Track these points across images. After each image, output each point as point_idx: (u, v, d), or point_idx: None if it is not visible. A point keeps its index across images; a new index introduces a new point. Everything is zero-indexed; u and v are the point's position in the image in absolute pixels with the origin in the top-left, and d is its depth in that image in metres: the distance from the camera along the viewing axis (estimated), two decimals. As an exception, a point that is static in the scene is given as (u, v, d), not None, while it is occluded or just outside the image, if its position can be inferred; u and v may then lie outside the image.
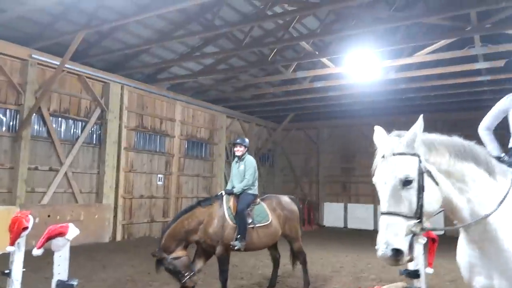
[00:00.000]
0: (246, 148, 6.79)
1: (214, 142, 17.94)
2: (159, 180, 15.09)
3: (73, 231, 4.12)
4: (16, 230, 4.77)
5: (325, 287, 7.53)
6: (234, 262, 9.44)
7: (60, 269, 4.04)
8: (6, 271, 4.71)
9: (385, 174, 2.62)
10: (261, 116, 20.57)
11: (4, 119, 10.92)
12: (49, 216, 11.19)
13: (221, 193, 6.48)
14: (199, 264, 6.25)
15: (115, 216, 13.17)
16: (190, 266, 5.95)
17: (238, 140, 6.83)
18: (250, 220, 6.26)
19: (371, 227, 19.05)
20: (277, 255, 7.22)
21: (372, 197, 19.66)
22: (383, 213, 2.57)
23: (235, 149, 6.80)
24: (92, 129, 13.04)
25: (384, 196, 2.60)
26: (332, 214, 20.21)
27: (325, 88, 15.29)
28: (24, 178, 10.86)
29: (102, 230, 12.65)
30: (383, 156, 2.66)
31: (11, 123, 11.02)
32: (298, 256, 7.11)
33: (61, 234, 4.04)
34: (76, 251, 11.25)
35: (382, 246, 2.46)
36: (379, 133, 2.85)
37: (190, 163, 16.64)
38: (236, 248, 6.01)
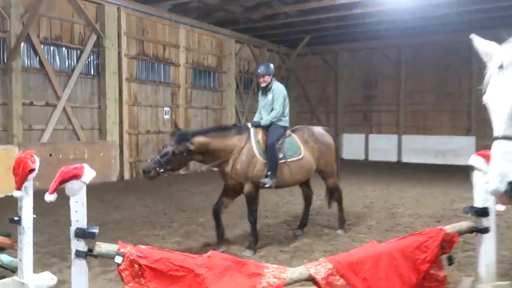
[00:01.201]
0: (271, 76, 6.19)
1: (222, 71, 17.29)
2: (165, 114, 14.70)
3: (89, 173, 3.75)
4: (21, 173, 4.44)
5: (360, 224, 7.34)
6: (255, 199, 9.29)
7: (78, 215, 3.73)
8: (16, 218, 4.46)
9: (503, 88, 2.12)
10: (273, 40, 19.62)
11: (-10, 49, 10.32)
12: (50, 155, 10.97)
13: (247, 126, 6.03)
14: (226, 202, 5.98)
15: (121, 154, 13.01)
16: (178, 169, 5.70)
17: (260, 70, 6.18)
18: (281, 155, 5.89)
19: (394, 159, 18.88)
20: (310, 192, 6.95)
21: (396, 127, 19.36)
22: (497, 138, 2.13)
23: (259, 80, 6.21)
24: (89, 59, 12.47)
25: (500, 116, 2.13)
26: (352, 146, 19.92)
27: (349, 4, 14.24)
28: (19, 115, 10.52)
29: (109, 169, 12.51)
30: (500, 66, 2.13)
31: (-2, 54, 10.44)
32: (333, 193, 6.84)
33: (76, 176, 3.67)
34: (83, 191, 11.24)
35: (495, 178, 2.07)
36: (481, 41, 2.31)
37: (198, 94, 16.16)
38: (266, 185, 5.72)
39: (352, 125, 20.49)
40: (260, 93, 6.42)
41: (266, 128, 6.03)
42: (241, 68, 18.56)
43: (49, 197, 3.75)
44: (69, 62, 12.01)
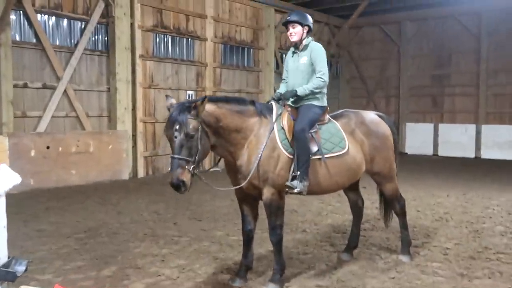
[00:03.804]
0: (307, 29, 5.03)
1: (259, 46, 16.26)
2: (189, 98, 13.78)
3: (5, 179, 2.73)
4: None
5: (432, 246, 6.06)
6: (291, 205, 8.23)
7: (-9, 245, 2.74)
8: None
9: None
10: (321, 9, 18.33)
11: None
12: (48, 147, 10.39)
13: (270, 103, 4.88)
14: (252, 214, 4.89)
15: (134, 146, 12.28)
16: (203, 158, 4.37)
17: (290, 17, 5.05)
18: (315, 148, 4.74)
19: (471, 154, 17.25)
20: (359, 202, 5.76)
21: (474, 115, 17.86)
22: None
23: (288, 32, 5.07)
24: (96, 32, 11.80)
25: None
26: (417, 137, 18.58)
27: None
28: (10, 99, 9.94)
29: (119, 165, 11.78)
30: None
31: (-15, 25, 9.84)
32: (392, 203, 5.60)
33: (-18, 185, 2.67)
34: (86, 191, 10.59)
35: None
36: None
37: (228, 74, 15.23)
38: (296, 191, 4.57)
39: (418, 112, 19.14)
40: (288, 54, 5.25)
41: (295, 109, 4.87)
42: (282, 43, 17.45)
43: None
44: (72, 35, 11.35)
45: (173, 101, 4.40)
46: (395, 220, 5.84)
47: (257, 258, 5.39)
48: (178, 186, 4.07)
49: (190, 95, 13.90)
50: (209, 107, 4.34)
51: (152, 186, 11.03)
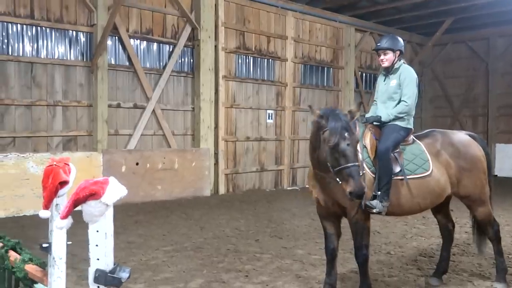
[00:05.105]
0: (398, 53, 5.01)
1: (339, 66, 16.19)
2: (269, 117, 14.02)
3: (114, 191, 2.91)
4: (50, 187, 3.84)
5: (529, 275, 5.63)
6: (374, 226, 8.04)
7: (99, 251, 2.93)
8: (45, 245, 3.89)
9: None
10: (403, 26, 17.94)
11: (77, 46, 10.57)
12: (137, 164, 10.93)
13: (354, 122, 4.84)
14: (337, 232, 4.85)
15: (216, 164, 12.59)
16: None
17: (381, 43, 5.07)
18: (397, 169, 4.67)
19: None
20: (450, 225, 5.51)
21: None
22: None
23: (379, 58, 5.11)
24: (182, 54, 12.30)
25: None
26: (509, 159, 17.39)
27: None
28: (105, 118, 10.58)
29: (202, 181, 12.13)
30: None
31: (85, 51, 10.64)
32: (485, 228, 5.30)
33: (94, 195, 2.88)
34: (170, 206, 11.05)
35: None
36: None
37: (308, 94, 15.27)
38: (374, 210, 4.52)
39: (508, 132, 18.00)
40: (379, 77, 5.24)
41: (379, 128, 4.82)
42: (362, 62, 17.27)
43: (61, 223, 3.04)
44: (161, 58, 11.94)
45: (318, 111, 4.34)
46: (489, 248, 5.54)
47: (340, 278, 5.32)
48: (363, 194, 4.06)
49: (270, 114, 14.12)
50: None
51: (232, 203, 11.24)
